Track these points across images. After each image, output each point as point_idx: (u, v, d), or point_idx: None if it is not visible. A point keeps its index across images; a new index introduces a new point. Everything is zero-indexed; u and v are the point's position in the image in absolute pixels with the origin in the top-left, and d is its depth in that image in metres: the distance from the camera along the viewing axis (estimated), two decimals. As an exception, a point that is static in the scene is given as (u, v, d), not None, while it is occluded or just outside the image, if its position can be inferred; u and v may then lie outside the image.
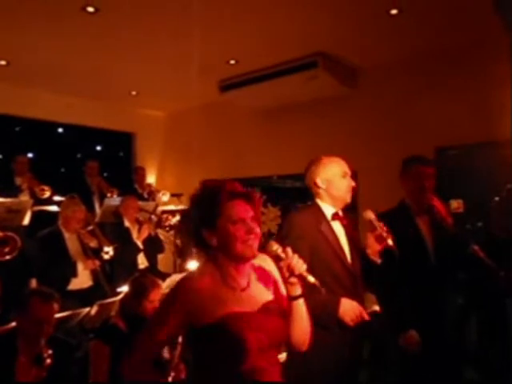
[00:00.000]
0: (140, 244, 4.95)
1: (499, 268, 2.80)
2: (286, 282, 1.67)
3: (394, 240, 2.37)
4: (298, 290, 1.67)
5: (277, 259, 1.66)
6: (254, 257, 1.64)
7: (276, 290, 1.71)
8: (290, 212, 2.69)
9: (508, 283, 2.97)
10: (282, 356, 2.66)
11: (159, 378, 1.70)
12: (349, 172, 2.48)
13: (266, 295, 1.68)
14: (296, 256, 1.63)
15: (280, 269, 1.68)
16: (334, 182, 2.42)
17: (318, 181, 2.44)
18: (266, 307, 1.64)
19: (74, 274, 4.18)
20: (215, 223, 1.61)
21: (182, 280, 1.66)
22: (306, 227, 2.36)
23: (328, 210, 2.44)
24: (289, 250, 1.65)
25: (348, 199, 2.46)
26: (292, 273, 1.62)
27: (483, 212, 4.33)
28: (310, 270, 1.64)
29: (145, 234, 5.05)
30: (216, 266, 1.64)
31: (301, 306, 1.68)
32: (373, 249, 2.39)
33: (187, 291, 1.59)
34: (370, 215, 2.41)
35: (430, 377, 2.67)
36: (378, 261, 2.40)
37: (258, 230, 1.62)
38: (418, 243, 2.78)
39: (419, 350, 2.60)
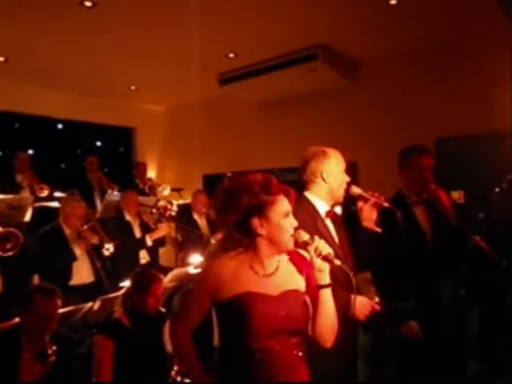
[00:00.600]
0: (149, 241, 4.96)
1: (501, 259, 2.80)
2: (315, 270, 1.72)
3: (388, 201, 2.38)
4: (326, 279, 1.73)
5: (304, 246, 1.73)
6: (293, 247, 1.74)
7: (308, 277, 1.78)
8: None
9: (510, 274, 2.97)
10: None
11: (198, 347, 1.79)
12: (345, 167, 2.42)
13: (295, 282, 1.76)
14: (322, 241, 1.72)
15: (310, 256, 1.73)
16: (338, 176, 2.35)
17: (324, 174, 2.32)
18: (288, 293, 1.72)
19: (74, 257, 4.19)
20: (266, 213, 1.69)
21: (211, 263, 1.86)
22: (302, 225, 2.31)
23: (321, 206, 2.35)
24: (316, 236, 1.73)
25: (341, 200, 2.41)
26: (319, 254, 1.69)
27: (484, 203, 4.32)
28: (333, 273, 1.72)
29: (160, 233, 5.07)
30: (249, 252, 1.75)
31: (328, 296, 1.74)
32: (370, 219, 2.36)
33: (212, 272, 1.76)
34: (357, 190, 2.39)
35: (432, 368, 2.68)
36: (378, 229, 2.37)
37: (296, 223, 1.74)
38: (415, 233, 2.76)
39: (420, 341, 2.60)
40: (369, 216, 2.37)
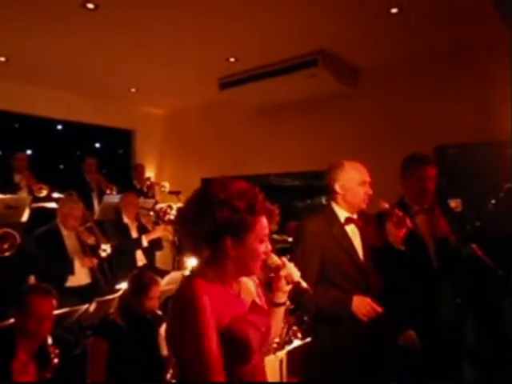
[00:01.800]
0: (145, 242, 4.96)
1: (497, 267, 2.80)
2: (278, 289, 1.70)
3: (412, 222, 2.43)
4: (284, 298, 1.73)
5: (276, 270, 1.68)
6: (259, 272, 1.65)
7: (259, 290, 1.76)
8: (303, 220, 2.70)
9: (506, 282, 2.97)
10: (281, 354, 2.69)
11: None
12: (368, 179, 2.52)
13: (253, 296, 1.71)
14: (292, 265, 1.68)
15: (278, 278, 1.68)
16: (351, 189, 2.48)
17: (336, 186, 2.50)
18: (254, 306, 1.66)
19: (71, 271, 4.18)
20: (242, 235, 1.52)
21: (195, 289, 1.49)
22: (317, 232, 2.45)
23: (341, 213, 2.51)
24: (284, 259, 1.69)
25: (363, 206, 2.52)
26: (291, 281, 1.67)
27: (482, 211, 4.33)
28: (303, 276, 1.71)
29: (156, 234, 5.07)
30: (218, 270, 1.57)
31: (281, 313, 1.76)
32: (394, 236, 2.43)
33: (206, 300, 1.47)
34: (384, 204, 2.45)
35: (429, 375, 2.68)
36: (402, 247, 2.43)
37: (270, 247, 1.64)
38: (416, 242, 2.77)
39: (418, 349, 2.61)
40: (393, 232, 2.43)
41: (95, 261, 4.32)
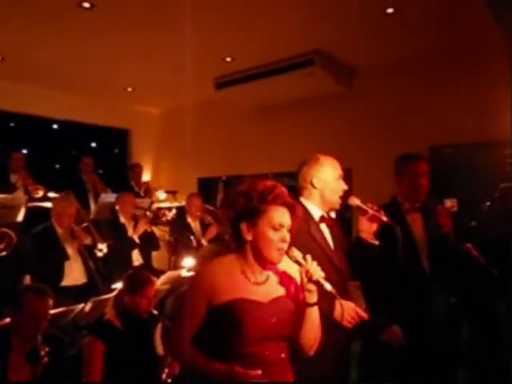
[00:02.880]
0: (136, 239, 4.94)
1: (492, 267, 2.82)
2: (303, 288, 1.74)
3: (387, 215, 2.36)
4: (314, 298, 1.75)
5: (296, 265, 1.74)
6: (278, 263, 1.75)
7: (296, 291, 1.79)
8: None
9: (501, 282, 2.98)
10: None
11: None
12: (342, 174, 2.41)
13: (282, 291, 1.77)
14: (315, 263, 1.72)
15: (300, 274, 1.75)
16: (329, 183, 2.35)
17: (315, 181, 2.35)
18: (277, 300, 1.73)
19: (66, 256, 4.16)
20: (255, 221, 1.70)
21: (204, 266, 1.85)
22: (298, 231, 2.23)
23: (315, 211, 2.36)
24: (308, 256, 1.73)
25: (337, 206, 2.40)
26: (310, 279, 1.70)
27: (477, 211, 4.35)
28: (328, 278, 1.71)
29: (141, 229, 5.04)
30: (240, 257, 1.76)
31: (314, 313, 1.76)
32: (368, 231, 2.35)
33: (206, 276, 1.74)
34: (355, 201, 2.37)
35: (422, 376, 2.68)
36: (376, 242, 2.36)
37: (289, 239, 1.72)
38: (407, 240, 2.77)
39: (402, 345, 2.61)
40: (366, 228, 2.36)
41: (83, 239, 4.29)
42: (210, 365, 1.67)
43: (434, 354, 2.70)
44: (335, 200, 2.37)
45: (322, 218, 2.37)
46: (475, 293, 3.40)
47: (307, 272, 1.70)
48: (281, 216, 1.71)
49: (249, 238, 1.71)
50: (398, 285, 2.66)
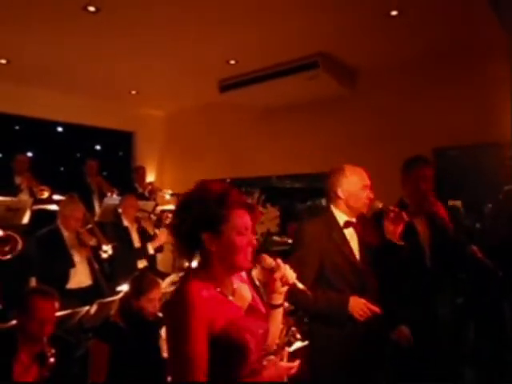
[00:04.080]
0: (152, 250, 4.98)
1: (497, 268, 2.82)
2: (273, 291, 1.73)
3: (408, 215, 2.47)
4: (280, 299, 1.74)
5: (270, 271, 1.70)
6: (249, 268, 1.66)
7: (254, 294, 1.74)
8: (302, 222, 2.80)
9: (505, 283, 2.98)
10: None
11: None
12: (368, 184, 2.54)
13: (249, 294, 1.71)
14: (287, 266, 1.70)
15: (273, 280, 1.71)
16: (353, 194, 2.49)
17: (339, 191, 2.51)
18: (251, 308, 1.66)
19: (72, 264, 4.16)
20: (219, 229, 1.54)
21: (188, 289, 1.50)
22: (316, 235, 2.48)
23: (341, 217, 2.53)
24: (279, 261, 1.70)
25: (364, 210, 2.55)
26: (286, 283, 1.69)
27: (481, 213, 4.34)
28: (300, 278, 1.74)
29: (161, 241, 5.09)
30: (208, 271, 1.58)
31: (279, 315, 1.76)
32: (393, 232, 2.46)
33: (200, 301, 1.47)
34: (378, 204, 2.51)
35: (428, 376, 2.69)
36: (402, 243, 2.47)
37: (255, 242, 1.64)
38: (413, 243, 2.79)
39: (410, 345, 2.66)
40: (391, 229, 2.47)
41: (90, 244, 4.29)
42: None
43: (440, 354, 2.72)
44: (361, 206, 2.52)
45: (348, 223, 2.51)
46: (481, 294, 3.40)
47: (283, 277, 1.68)
48: (244, 219, 1.58)
49: (213, 248, 1.54)
50: (405, 285, 2.69)
